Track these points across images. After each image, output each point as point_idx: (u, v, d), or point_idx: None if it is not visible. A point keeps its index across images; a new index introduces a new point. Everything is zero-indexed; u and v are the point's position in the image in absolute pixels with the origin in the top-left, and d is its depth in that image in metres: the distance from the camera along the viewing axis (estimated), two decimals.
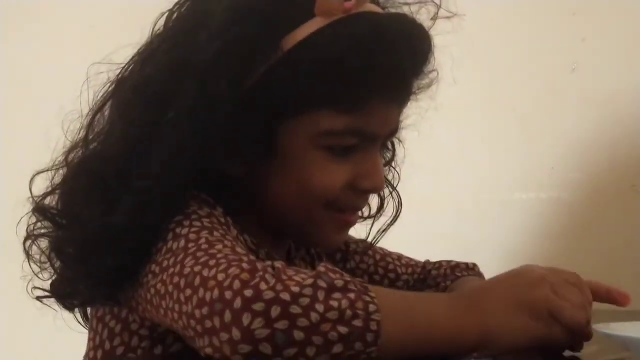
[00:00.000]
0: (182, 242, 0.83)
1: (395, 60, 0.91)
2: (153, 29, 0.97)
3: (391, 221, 1.10)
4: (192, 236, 0.84)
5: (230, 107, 0.88)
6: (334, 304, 0.74)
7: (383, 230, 1.11)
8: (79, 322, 1.02)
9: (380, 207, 1.10)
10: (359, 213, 1.02)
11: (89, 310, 0.99)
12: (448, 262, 1.17)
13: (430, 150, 1.06)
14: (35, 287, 0.96)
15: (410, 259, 1.20)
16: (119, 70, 0.96)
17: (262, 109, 0.90)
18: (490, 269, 1.16)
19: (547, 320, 0.83)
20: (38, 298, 0.97)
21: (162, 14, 0.97)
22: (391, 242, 1.15)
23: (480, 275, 1.16)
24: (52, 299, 0.96)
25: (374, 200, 1.07)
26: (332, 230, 0.98)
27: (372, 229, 1.12)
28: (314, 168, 0.92)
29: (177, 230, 0.85)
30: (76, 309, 0.99)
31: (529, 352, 0.85)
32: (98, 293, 0.92)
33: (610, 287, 0.93)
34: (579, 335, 0.85)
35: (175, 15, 0.97)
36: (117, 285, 0.89)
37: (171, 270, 0.81)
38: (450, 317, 0.82)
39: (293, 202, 0.94)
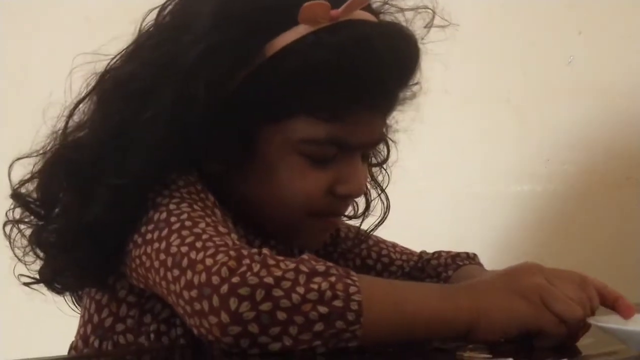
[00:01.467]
0: (164, 215, 0.85)
1: (378, 71, 0.91)
2: (142, 24, 0.97)
3: (378, 223, 1.10)
4: (172, 207, 0.85)
5: (209, 110, 0.88)
6: (314, 286, 0.76)
7: (370, 231, 1.11)
8: (70, 307, 1.02)
9: (366, 209, 1.10)
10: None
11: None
12: (447, 252, 1.17)
13: (425, 142, 1.06)
14: (21, 274, 0.97)
15: (405, 248, 1.20)
16: (106, 63, 0.97)
17: (242, 112, 0.90)
18: (484, 262, 1.16)
19: (538, 305, 0.84)
20: (26, 284, 0.97)
21: (151, 10, 0.97)
22: (384, 234, 1.15)
23: (480, 265, 1.16)
24: (41, 284, 0.97)
25: (362, 200, 1.08)
26: (312, 233, 0.99)
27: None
28: (293, 174, 0.93)
29: (158, 200, 0.87)
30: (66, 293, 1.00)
31: (523, 344, 0.85)
32: (86, 278, 0.93)
33: (620, 297, 0.92)
34: (573, 329, 0.85)
35: (165, 12, 0.97)
36: (104, 268, 0.90)
37: (156, 245, 0.83)
38: (440, 296, 0.83)
39: (273, 205, 0.94)
